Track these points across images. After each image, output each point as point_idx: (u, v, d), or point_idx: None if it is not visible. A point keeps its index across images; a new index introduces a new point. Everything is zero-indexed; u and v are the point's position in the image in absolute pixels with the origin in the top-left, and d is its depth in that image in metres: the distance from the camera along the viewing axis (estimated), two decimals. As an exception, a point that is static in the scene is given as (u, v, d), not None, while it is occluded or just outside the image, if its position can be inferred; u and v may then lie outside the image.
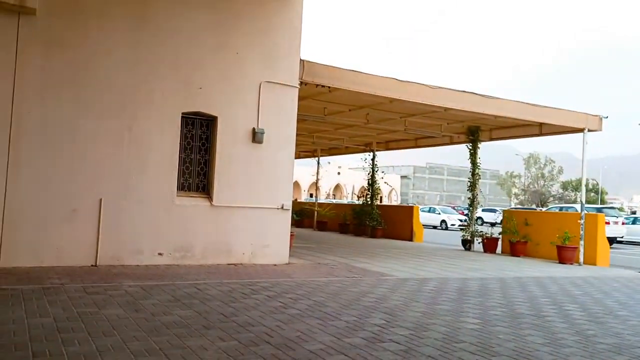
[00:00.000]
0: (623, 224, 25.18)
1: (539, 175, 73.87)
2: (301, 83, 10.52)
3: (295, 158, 27.91)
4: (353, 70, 11.11)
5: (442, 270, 10.48)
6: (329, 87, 11.13)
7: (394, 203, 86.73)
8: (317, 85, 10.96)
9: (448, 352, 4.54)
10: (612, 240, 23.12)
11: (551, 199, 68.84)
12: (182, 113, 9.21)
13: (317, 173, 25.40)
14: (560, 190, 72.81)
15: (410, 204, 39.91)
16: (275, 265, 9.69)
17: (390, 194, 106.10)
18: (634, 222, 27.31)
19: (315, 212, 25.34)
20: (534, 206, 62.11)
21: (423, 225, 38.46)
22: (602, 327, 5.85)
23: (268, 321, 5.28)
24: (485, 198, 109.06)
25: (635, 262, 16.04)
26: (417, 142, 20.25)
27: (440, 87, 11.74)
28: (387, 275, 9.23)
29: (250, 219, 9.74)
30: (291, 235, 10.82)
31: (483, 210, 50.71)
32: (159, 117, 8.95)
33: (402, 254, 13.63)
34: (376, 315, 5.85)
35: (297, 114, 10.56)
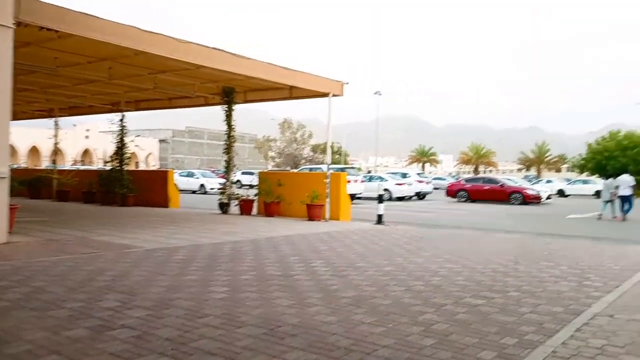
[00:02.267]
0: (362, 182, 28.25)
1: (292, 139, 78.84)
2: (19, 24, 8.61)
3: (28, 118, 24.00)
4: (87, 14, 9.55)
5: (195, 236, 9.98)
6: (57, 31, 9.39)
7: (152, 168, 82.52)
8: (42, 28, 9.13)
9: (189, 330, 4.03)
10: (352, 197, 25.74)
11: (303, 161, 74.27)
12: None
13: (56, 136, 22.23)
14: (311, 153, 79.02)
15: (167, 169, 38.37)
16: (-12, 246, 7.90)
17: (148, 158, 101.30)
18: (370, 180, 30.90)
19: (55, 181, 22.29)
20: (288, 168, 66.17)
21: (182, 190, 37.58)
22: (344, 280, 6.07)
23: (-45, 323, 4.03)
24: (245, 161, 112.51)
25: (370, 215, 17.97)
26: (171, 102, 19.16)
27: (189, 42, 10.95)
28: (132, 247, 8.31)
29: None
30: (13, 208, 8.99)
31: (242, 173, 51.91)
32: None
33: (155, 222, 12.71)
34: (110, 297, 5.02)
35: (20, 64, 8.66)
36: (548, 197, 30.62)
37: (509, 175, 59.98)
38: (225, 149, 16.63)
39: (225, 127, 16.80)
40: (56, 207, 17.88)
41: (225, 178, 17.14)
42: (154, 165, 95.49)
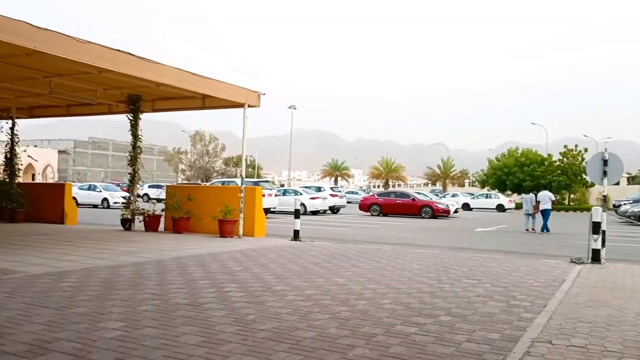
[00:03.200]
0: (276, 195, 27.65)
1: (204, 151, 76.71)
2: None
3: None
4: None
5: (91, 258, 8.85)
6: None
7: (50, 181, 76.64)
8: None
9: (70, 385, 3.21)
10: (267, 211, 25.06)
11: (215, 174, 72.37)
12: None
13: None
14: (223, 166, 77.23)
15: (64, 182, 35.56)
16: None
17: (46, 170, 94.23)
18: (284, 194, 30.39)
19: None
20: (199, 181, 64.05)
21: (82, 204, 35.11)
22: (261, 308, 5.43)
23: None
24: (153, 174, 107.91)
25: (286, 230, 17.39)
26: (70, 109, 17.52)
27: (90, 42, 9.84)
28: (12, 272, 7.12)
29: None
30: None
31: (150, 186, 49.51)
32: None
33: (45, 241, 11.30)
34: (-30, 340, 4.03)
35: None
36: (455, 211, 31.70)
37: (417, 189, 62.04)
38: (130, 160, 15.37)
39: (130, 138, 15.59)
40: None
41: (129, 192, 15.84)
42: (51, 178, 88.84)
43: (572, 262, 10.06)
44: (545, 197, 20.08)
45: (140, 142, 15.33)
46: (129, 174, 15.55)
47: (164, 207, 15.23)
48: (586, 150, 52.07)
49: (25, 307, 5.15)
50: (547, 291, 6.79)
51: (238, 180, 31.08)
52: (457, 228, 21.91)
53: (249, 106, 13.85)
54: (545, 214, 19.76)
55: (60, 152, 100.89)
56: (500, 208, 44.20)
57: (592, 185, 49.91)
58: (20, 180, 18.57)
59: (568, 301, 6.20)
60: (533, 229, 19.89)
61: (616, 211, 34.68)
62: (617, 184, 58.47)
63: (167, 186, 16.97)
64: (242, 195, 13.70)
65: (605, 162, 10.68)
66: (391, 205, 30.09)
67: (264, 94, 14.15)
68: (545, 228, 19.67)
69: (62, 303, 5.39)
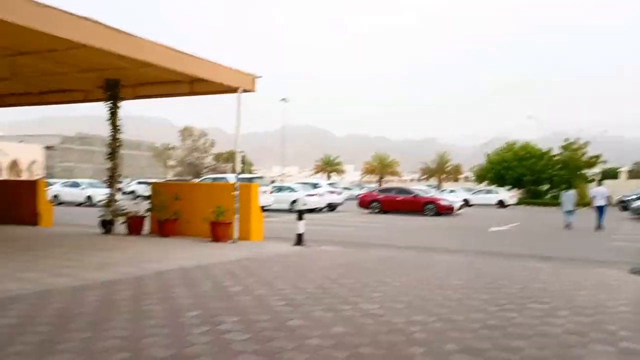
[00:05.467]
0: (271, 192, 25.89)
1: (194, 147, 74.68)
2: None
3: None
4: None
5: (53, 275, 7.07)
6: None
7: (36, 178, 73.82)
8: None
9: None
10: (261, 209, 23.32)
11: (205, 170, 70.39)
12: None
13: None
14: (213, 162, 75.21)
15: (37, 179, 33.64)
16: None
17: (32, 167, 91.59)
18: (279, 191, 28.63)
19: None
20: (189, 177, 62.03)
21: (64, 202, 33.11)
22: (277, 363, 3.71)
23: None
24: (143, 170, 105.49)
25: (284, 231, 15.68)
26: (42, 97, 15.64)
27: (49, 6, 7.99)
28: None
29: None
30: None
31: (138, 182, 47.55)
32: None
33: (6, 249, 9.49)
34: None
35: None
36: (460, 208, 30.10)
37: (412, 184, 60.53)
38: (110, 154, 13.55)
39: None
40: None
41: (110, 189, 14.00)
42: (37, 174, 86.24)
43: (634, 272, 8.43)
44: (600, 194, 19.80)
45: (120, 133, 13.50)
46: (108, 169, 13.73)
47: (148, 208, 13.43)
48: (587, 144, 50.90)
49: None
50: (650, 323, 5.14)
51: (229, 176, 29.17)
52: (467, 227, 20.30)
53: (244, 91, 12.08)
54: (600, 210, 19.24)
55: (47, 147, 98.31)
56: (502, 204, 42.68)
57: (592, 180, 48.63)
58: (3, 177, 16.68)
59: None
60: (568, 225, 19.44)
61: (625, 207, 33.26)
62: (616, 177, 57.39)
63: (152, 184, 15.14)
64: (237, 193, 11.95)
65: None
66: (392, 202, 28.43)
67: (260, 77, 12.37)
68: (600, 225, 18.99)
69: (-17, 359, 3.65)
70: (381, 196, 29.38)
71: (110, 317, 4.88)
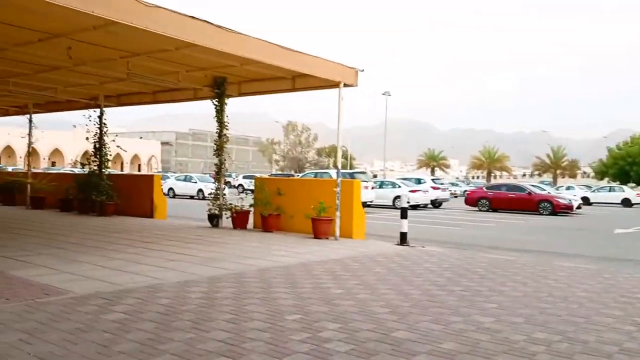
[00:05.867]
0: (372, 188, 25.55)
1: (297, 142, 76.22)
2: None
3: (3, 115, 21.30)
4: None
5: (161, 268, 7.28)
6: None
7: (154, 172, 79.43)
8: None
9: None
10: (362, 205, 23.06)
11: (308, 164, 71.61)
12: None
13: (30, 134, 19.61)
14: (316, 157, 76.33)
15: (153, 173, 35.92)
16: None
17: (150, 161, 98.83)
18: (380, 186, 28.22)
19: (28, 186, 19.73)
20: (292, 172, 63.45)
21: (179, 195, 35.17)
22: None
23: None
24: (249, 164, 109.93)
25: (387, 229, 15.29)
26: (156, 96, 16.53)
27: (158, 6, 8.24)
28: (54, 291, 5.61)
29: None
30: None
31: (244, 177, 49.42)
32: None
33: (120, 241, 10.03)
34: None
35: None
36: (579, 207, 27.77)
37: (523, 180, 57.04)
38: (216, 150, 13.95)
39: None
40: (18, 217, 15.26)
41: (217, 183, 14.44)
42: (155, 168, 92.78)
43: None
44: None
45: (227, 129, 13.84)
46: (215, 165, 14.15)
47: (251, 203, 13.66)
48: None
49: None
50: None
51: (332, 172, 29.28)
52: (589, 229, 18.56)
53: (345, 85, 11.82)
54: None
55: (163, 143, 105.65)
56: (627, 203, 38.86)
57: None
58: (126, 171, 17.94)
59: None
60: None
61: None
62: None
63: (256, 179, 15.41)
64: (339, 190, 11.73)
65: None
66: (502, 200, 26.87)
67: (362, 71, 12.04)
68: None
69: (92, 356, 3.68)
70: (490, 193, 27.88)
71: (212, 316, 4.82)
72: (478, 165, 73.61)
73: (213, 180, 38.16)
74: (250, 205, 13.64)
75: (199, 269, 7.21)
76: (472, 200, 28.02)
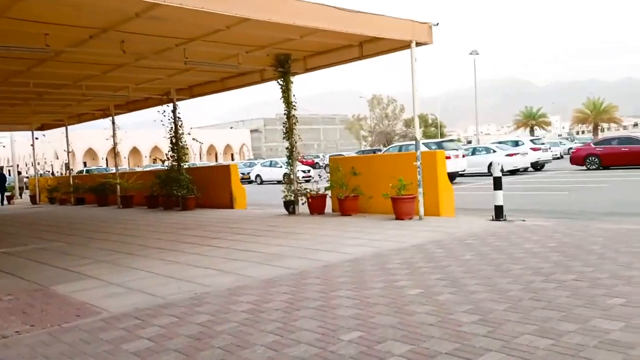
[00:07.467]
0: (463, 156, 23.69)
1: (383, 115, 74.20)
2: None
3: (90, 119, 21.98)
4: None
5: (218, 270, 6.55)
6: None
7: (245, 160, 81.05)
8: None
9: None
10: (454, 175, 21.39)
11: (396, 137, 69.55)
12: None
13: (114, 135, 20.06)
14: (404, 128, 73.85)
15: (230, 163, 36.13)
16: None
17: (242, 149, 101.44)
18: (473, 153, 26.21)
19: (117, 186, 20.30)
20: (381, 147, 61.82)
21: (265, 181, 35.19)
22: None
23: None
24: (337, 143, 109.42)
25: (480, 202, 13.74)
26: (224, 83, 16.07)
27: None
28: (88, 311, 5.00)
29: None
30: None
31: (330, 156, 48.67)
32: None
33: (190, 239, 9.54)
34: None
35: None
36: None
37: (633, 131, 51.16)
38: (285, 133, 13.13)
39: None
40: (104, 217, 15.53)
41: (289, 168, 13.69)
42: (248, 156, 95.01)
43: None
44: None
45: (295, 109, 12.96)
46: (286, 149, 13.35)
47: (327, 186, 12.75)
48: None
49: None
50: None
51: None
52: None
53: (418, 44, 10.42)
54: None
55: (252, 131, 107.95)
56: None
57: None
58: (215, 162, 17.84)
59: None
60: None
61: None
62: None
63: (330, 159, 14.46)
64: (419, 164, 10.44)
65: None
66: (615, 155, 23.81)
67: (437, 25, 10.55)
68: None
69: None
70: (599, 148, 24.83)
71: (251, 340, 3.91)
72: (582, 119, 67.28)
73: (300, 163, 38.01)
74: (326, 189, 12.75)
75: (257, 270, 6.39)
76: (579, 158, 25.14)
